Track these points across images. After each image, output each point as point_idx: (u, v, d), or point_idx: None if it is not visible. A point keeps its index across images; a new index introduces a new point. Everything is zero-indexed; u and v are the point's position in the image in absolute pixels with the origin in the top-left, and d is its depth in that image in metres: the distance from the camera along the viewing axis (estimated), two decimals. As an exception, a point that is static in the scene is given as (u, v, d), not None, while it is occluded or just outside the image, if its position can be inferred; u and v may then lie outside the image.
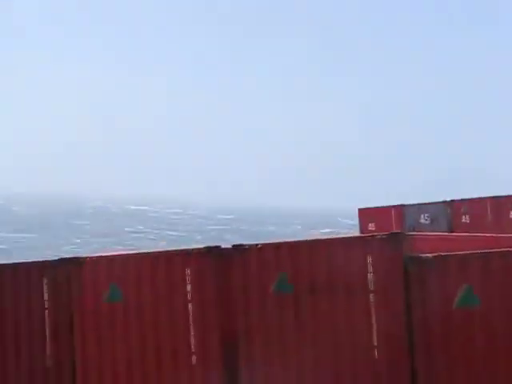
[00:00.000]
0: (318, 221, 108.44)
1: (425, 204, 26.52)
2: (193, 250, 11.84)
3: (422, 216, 25.71)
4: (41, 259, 12.82)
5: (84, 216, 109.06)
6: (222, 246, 11.77)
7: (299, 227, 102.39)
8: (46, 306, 12.28)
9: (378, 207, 27.23)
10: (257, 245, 11.57)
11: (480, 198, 26.40)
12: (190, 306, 11.57)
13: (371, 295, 10.78)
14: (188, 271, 11.58)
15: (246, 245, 11.60)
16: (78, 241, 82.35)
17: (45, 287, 12.33)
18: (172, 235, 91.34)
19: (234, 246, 11.61)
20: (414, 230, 22.01)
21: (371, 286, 10.78)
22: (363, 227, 25.52)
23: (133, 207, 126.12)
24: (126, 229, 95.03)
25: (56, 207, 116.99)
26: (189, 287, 11.58)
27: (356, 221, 28.39)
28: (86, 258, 12.34)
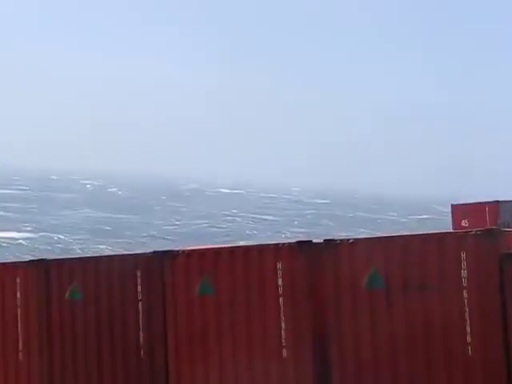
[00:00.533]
0: (413, 208, 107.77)
1: None
2: (284, 244, 11.77)
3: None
4: (136, 251, 13.43)
5: (181, 198, 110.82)
6: (314, 241, 11.68)
7: (395, 214, 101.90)
8: (140, 298, 12.42)
9: (471, 203, 26.85)
10: (348, 240, 11.44)
11: None
12: (281, 299, 11.61)
13: (465, 292, 10.60)
14: (279, 265, 11.59)
15: (337, 240, 11.48)
16: (178, 223, 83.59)
17: (138, 279, 12.51)
18: (267, 219, 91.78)
19: (325, 240, 11.49)
20: (509, 227, 21.59)
21: (465, 283, 10.60)
22: (456, 223, 25.14)
23: (227, 190, 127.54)
24: (222, 212, 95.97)
25: (153, 189, 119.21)
26: (280, 281, 11.60)
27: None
28: (179, 251, 12.38)
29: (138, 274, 12.53)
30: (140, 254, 12.96)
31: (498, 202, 25.77)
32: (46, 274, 13.29)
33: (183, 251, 12.60)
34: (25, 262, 13.89)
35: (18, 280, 13.37)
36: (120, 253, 13.71)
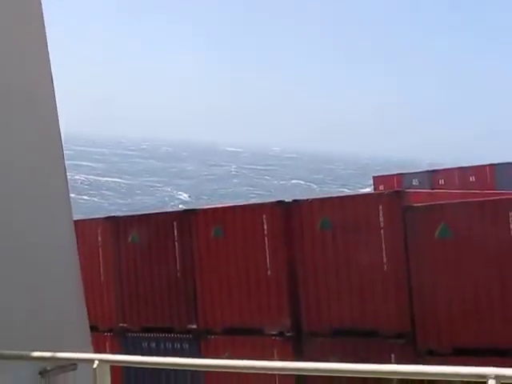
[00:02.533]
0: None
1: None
2: (268, 202, 12.87)
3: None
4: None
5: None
6: (286, 200, 12.56)
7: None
8: (176, 239, 13.26)
9: (385, 175, 27.61)
10: (308, 199, 12.50)
11: None
12: (265, 238, 12.29)
13: (382, 231, 11.28)
14: (264, 216, 12.36)
15: (301, 199, 12.49)
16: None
17: (175, 230, 13.24)
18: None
19: (293, 200, 12.51)
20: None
21: (382, 225, 11.27)
22: (376, 188, 25.88)
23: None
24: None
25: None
26: (265, 227, 12.28)
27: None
28: (200, 209, 13.52)
29: (175, 225, 13.30)
30: (175, 211, 13.85)
31: (401, 174, 26.84)
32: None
33: (203, 209, 13.53)
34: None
35: None
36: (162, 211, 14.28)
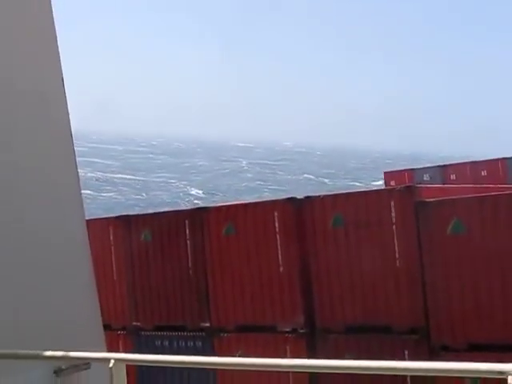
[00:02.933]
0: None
1: None
2: (279, 199, 12.87)
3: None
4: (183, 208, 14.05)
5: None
6: (298, 197, 12.56)
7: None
8: (188, 237, 13.27)
9: (396, 170, 27.65)
10: (320, 196, 12.47)
11: None
12: (277, 235, 12.28)
13: (393, 227, 11.27)
14: (276, 213, 12.31)
15: (313, 196, 12.47)
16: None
17: (187, 228, 13.26)
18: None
19: (305, 196, 12.51)
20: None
21: (394, 221, 11.26)
22: (387, 183, 25.84)
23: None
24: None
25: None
26: (276, 224, 12.28)
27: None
28: (212, 207, 13.58)
29: (187, 223, 13.34)
30: (186, 209, 13.91)
31: (413, 169, 26.79)
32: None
33: (213, 207, 13.54)
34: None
35: None
36: (171, 209, 14.35)
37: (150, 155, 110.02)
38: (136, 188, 75.87)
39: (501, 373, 3.90)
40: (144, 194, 71.18)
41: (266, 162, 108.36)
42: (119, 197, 69.04)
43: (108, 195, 69.52)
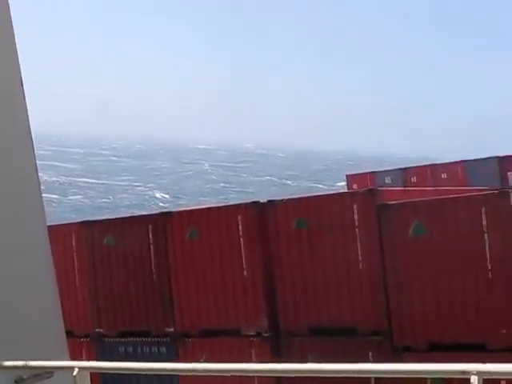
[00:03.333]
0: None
1: None
2: (242, 203, 12.86)
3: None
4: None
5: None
6: (261, 201, 12.59)
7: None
8: (151, 242, 13.20)
9: (359, 173, 27.88)
10: (282, 199, 12.49)
11: None
12: (241, 239, 12.30)
13: (356, 229, 11.34)
14: (239, 217, 12.32)
15: (276, 200, 12.50)
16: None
17: (150, 233, 13.18)
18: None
19: (268, 200, 12.53)
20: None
21: (357, 224, 11.33)
22: (350, 186, 26.09)
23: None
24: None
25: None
26: (240, 228, 12.27)
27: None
28: (175, 211, 13.53)
29: (150, 228, 13.28)
30: (151, 214, 13.94)
31: (374, 172, 27.11)
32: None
33: (177, 211, 13.50)
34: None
35: None
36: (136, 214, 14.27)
37: (113, 158, 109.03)
38: (101, 191, 75.16)
39: (463, 372, 3.95)
40: (111, 197, 70.54)
41: (229, 164, 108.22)
42: (85, 200, 68.35)
43: (75, 198, 68.79)
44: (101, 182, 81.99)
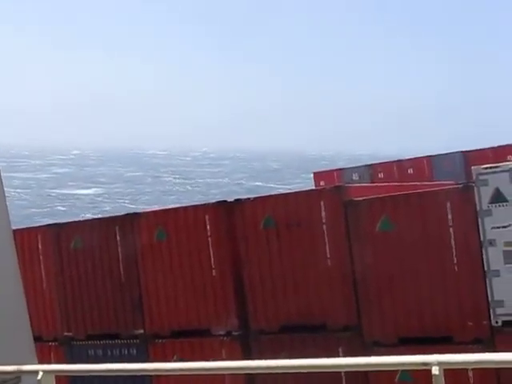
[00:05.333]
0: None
1: None
2: (210, 203, 12.84)
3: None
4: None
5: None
6: (228, 200, 12.61)
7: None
8: (119, 244, 13.17)
9: (325, 170, 28.07)
10: (249, 198, 12.53)
11: None
12: (209, 239, 12.30)
13: (324, 226, 11.38)
14: (207, 217, 12.38)
15: (243, 198, 12.55)
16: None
17: (117, 235, 13.15)
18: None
19: (235, 199, 12.55)
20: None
21: (324, 221, 11.39)
22: (317, 184, 26.19)
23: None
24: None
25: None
26: (208, 227, 12.30)
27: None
28: (142, 212, 13.51)
29: (117, 228, 13.19)
30: (117, 215, 13.80)
31: (341, 169, 27.31)
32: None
33: (144, 212, 13.50)
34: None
35: None
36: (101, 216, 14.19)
37: (66, 169, 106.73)
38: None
39: (425, 364, 4.03)
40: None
41: (188, 168, 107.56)
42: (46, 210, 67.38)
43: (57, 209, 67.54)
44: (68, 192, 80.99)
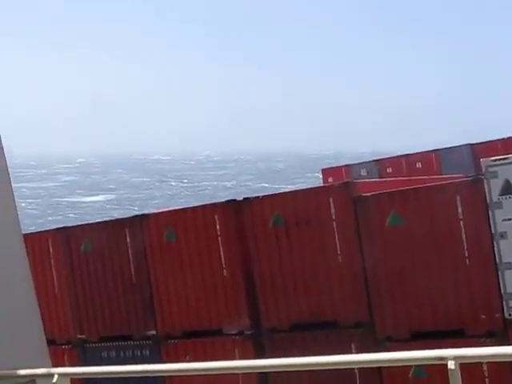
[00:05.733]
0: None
1: None
2: (219, 202, 12.83)
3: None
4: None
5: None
6: (237, 199, 12.59)
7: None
8: (129, 246, 13.20)
9: (334, 167, 28.04)
10: (258, 196, 12.49)
11: None
12: (219, 238, 12.28)
13: (334, 223, 11.33)
14: (216, 216, 12.34)
15: (251, 197, 12.48)
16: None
17: (127, 236, 13.21)
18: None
19: (244, 198, 12.51)
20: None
21: (334, 217, 11.31)
22: (325, 180, 26.16)
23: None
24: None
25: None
26: (217, 227, 12.25)
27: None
28: (151, 213, 13.51)
29: (127, 231, 13.21)
30: (127, 217, 13.80)
31: (349, 165, 27.23)
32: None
33: (153, 213, 13.51)
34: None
35: None
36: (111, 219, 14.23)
37: (73, 177, 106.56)
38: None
39: (441, 358, 4.02)
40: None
41: (193, 172, 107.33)
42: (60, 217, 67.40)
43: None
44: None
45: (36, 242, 13.77)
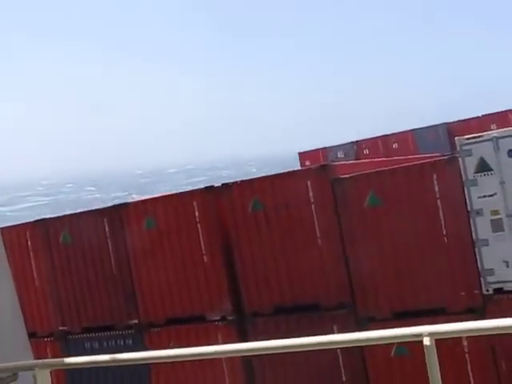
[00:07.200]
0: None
1: None
2: (197, 189, 12.79)
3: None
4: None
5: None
6: (215, 185, 12.58)
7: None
8: (109, 235, 13.13)
9: (311, 150, 27.99)
10: (237, 181, 12.44)
11: None
12: (198, 225, 12.31)
13: (312, 205, 11.37)
14: (195, 202, 12.38)
15: (230, 182, 12.45)
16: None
17: (106, 226, 13.07)
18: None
19: (222, 184, 12.49)
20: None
21: (312, 200, 11.39)
22: (302, 164, 26.18)
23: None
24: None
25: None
26: (197, 213, 12.30)
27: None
28: (130, 202, 13.45)
29: (105, 221, 13.16)
30: (107, 207, 13.64)
31: (326, 147, 27.26)
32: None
33: (132, 202, 13.49)
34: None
35: None
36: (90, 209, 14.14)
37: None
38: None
39: (416, 335, 4.05)
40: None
41: (178, 182, 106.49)
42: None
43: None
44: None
45: (14, 235, 13.69)
